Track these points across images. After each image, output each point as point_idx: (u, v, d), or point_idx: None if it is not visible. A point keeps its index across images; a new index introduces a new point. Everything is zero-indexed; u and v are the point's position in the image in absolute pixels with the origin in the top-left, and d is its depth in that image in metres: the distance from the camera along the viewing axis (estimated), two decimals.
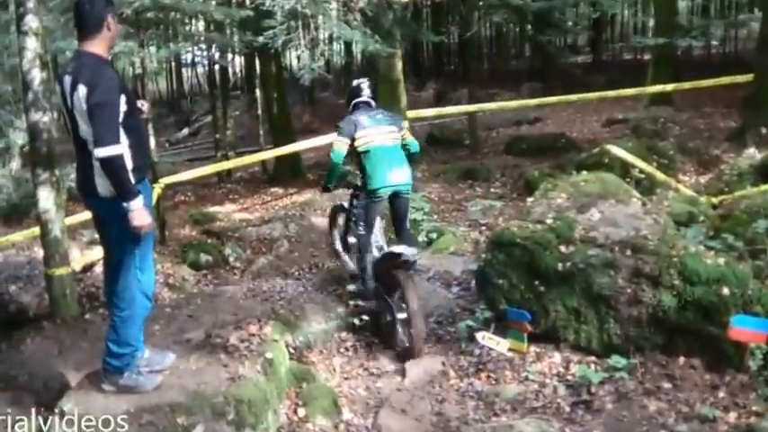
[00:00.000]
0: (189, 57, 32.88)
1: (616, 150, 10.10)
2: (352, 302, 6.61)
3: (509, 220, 6.26)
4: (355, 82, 6.75)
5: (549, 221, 5.66)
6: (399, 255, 5.92)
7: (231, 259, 10.00)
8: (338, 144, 6.29)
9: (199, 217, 12.48)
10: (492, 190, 11.85)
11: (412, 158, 6.52)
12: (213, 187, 17.19)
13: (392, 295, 6.04)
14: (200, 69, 37.74)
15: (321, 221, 10.50)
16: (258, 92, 19.73)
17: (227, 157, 17.62)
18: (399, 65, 12.93)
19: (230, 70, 25.37)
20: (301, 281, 7.82)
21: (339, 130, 6.36)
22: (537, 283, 5.46)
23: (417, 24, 19.89)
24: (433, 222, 9.40)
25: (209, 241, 10.63)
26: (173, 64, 36.94)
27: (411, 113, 13.26)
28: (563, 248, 5.43)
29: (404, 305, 5.87)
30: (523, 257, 5.53)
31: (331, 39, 11.46)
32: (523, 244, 5.55)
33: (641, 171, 9.49)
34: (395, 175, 6.17)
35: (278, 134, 17.32)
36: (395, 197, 6.27)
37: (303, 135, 17.97)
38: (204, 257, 9.98)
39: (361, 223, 6.43)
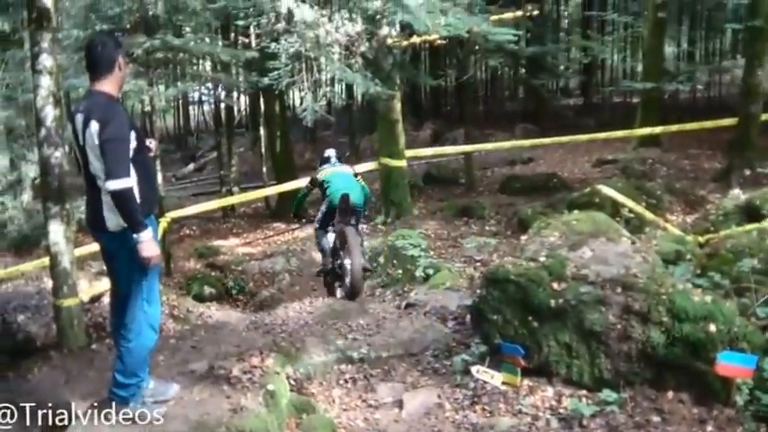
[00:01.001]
0: (196, 95, 33.07)
1: (606, 190, 10.13)
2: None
3: (503, 257, 6.26)
4: (326, 153, 9.12)
5: (542, 259, 5.63)
6: (347, 200, 8.18)
7: (234, 292, 9.99)
8: (306, 183, 9.17)
9: (203, 250, 12.48)
10: (487, 227, 11.84)
11: (365, 201, 8.71)
12: (218, 222, 17.21)
13: (343, 249, 8.14)
14: (206, 107, 37.95)
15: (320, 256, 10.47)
16: (262, 129, 19.86)
17: (231, 193, 17.68)
18: (398, 106, 13.03)
19: (235, 108, 25.47)
20: (302, 314, 7.80)
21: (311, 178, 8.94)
22: (530, 318, 5.43)
23: (416, 68, 20.04)
24: (430, 258, 9.34)
25: (213, 274, 10.63)
26: (180, 102, 37.12)
27: (409, 152, 13.36)
28: (555, 285, 5.41)
29: (348, 256, 7.94)
30: (517, 294, 5.52)
31: (333, 81, 11.60)
32: (517, 280, 5.52)
33: (630, 210, 9.51)
34: (349, 193, 8.25)
35: (280, 171, 17.42)
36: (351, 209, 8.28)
37: (305, 172, 17.91)
38: (208, 290, 9.98)
39: (317, 223, 8.74)
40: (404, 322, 6.96)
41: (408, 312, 7.42)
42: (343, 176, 8.53)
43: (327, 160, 8.93)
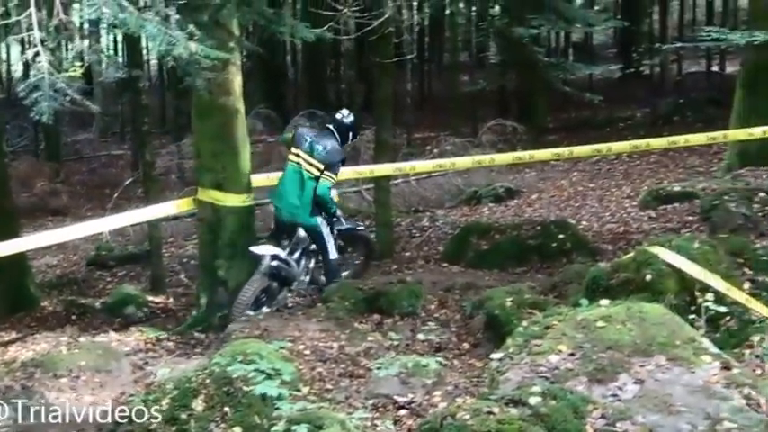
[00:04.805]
0: None
1: (667, 256, 5.25)
2: None
3: (455, 396, 4.21)
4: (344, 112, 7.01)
5: (533, 401, 3.38)
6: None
7: None
8: None
9: None
10: (421, 336, 5.98)
11: (323, 206, 6.56)
12: None
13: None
14: None
15: (73, 397, 5.18)
16: None
17: None
18: (238, 84, 6.88)
19: None
20: None
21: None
22: None
23: (275, 5, 12.14)
24: (302, 402, 4.65)
25: None
26: None
27: (259, 179, 7.30)
28: None
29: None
30: None
31: (96, 26, 6.75)
32: None
33: (719, 297, 4.87)
34: (282, 197, 6.60)
35: None
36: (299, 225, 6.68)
37: (36, 219, 11.76)
38: None
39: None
40: None
41: None
42: (289, 176, 6.69)
43: (330, 120, 7.34)
